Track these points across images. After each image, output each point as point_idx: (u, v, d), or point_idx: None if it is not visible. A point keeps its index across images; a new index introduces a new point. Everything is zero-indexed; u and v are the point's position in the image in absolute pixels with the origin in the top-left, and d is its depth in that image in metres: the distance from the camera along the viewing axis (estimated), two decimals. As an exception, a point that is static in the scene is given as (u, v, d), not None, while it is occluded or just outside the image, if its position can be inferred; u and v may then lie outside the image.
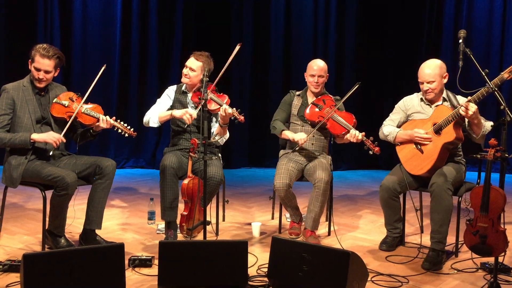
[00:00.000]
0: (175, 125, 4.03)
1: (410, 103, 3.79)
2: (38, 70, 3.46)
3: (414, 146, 3.63)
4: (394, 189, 3.62)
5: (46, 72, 3.47)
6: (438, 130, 3.52)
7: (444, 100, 3.68)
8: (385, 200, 3.67)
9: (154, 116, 3.95)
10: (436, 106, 3.66)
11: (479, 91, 3.24)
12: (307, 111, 3.97)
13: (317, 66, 4.00)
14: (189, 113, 3.78)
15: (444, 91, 3.69)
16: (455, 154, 3.69)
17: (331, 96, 4.07)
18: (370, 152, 3.68)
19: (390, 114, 3.86)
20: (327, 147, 4.14)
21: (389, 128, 3.76)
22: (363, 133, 3.71)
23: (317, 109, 3.94)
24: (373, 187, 6.10)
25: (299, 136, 3.84)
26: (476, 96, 3.26)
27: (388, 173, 3.77)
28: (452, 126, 3.44)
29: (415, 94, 3.82)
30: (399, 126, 3.77)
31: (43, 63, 3.44)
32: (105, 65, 3.65)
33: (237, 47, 3.70)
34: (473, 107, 3.25)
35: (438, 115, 3.54)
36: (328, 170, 3.82)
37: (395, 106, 3.87)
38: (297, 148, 3.89)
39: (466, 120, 3.47)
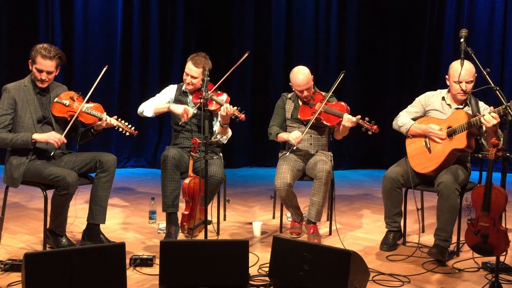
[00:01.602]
0: (176, 124, 4.03)
1: (431, 99, 3.73)
2: (40, 71, 3.45)
3: (424, 143, 3.61)
4: (397, 180, 3.61)
5: (48, 73, 3.47)
6: (451, 134, 3.50)
7: (467, 104, 3.61)
8: (387, 190, 3.66)
9: (150, 106, 3.94)
10: (456, 109, 3.62)
11: (502, 106, 3.13)
12: (300, 111, 3.97)
13: (301, 80, 3.88)
14: (186, 110, 3.78)
15: (468, 96, 3.62)
16: (465, 156, 3.67)
17: (320, 92, 4.06)
18: (369, 133, 3.66)
19: (408, 106, 3.82)
20: (327, 145, 4.13)
21: (404, 120, 3.73)
22: (358, 116, 3.70)
23: (309, 107, 3.94)
24: (374, 186, 6.09)
25: (293, 135, 3.83)
26: (502, 108, 3.15)
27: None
28: (466, 134, 3.42)
29: (439, 91, 3.75)
30: (414, 120, 3.75)
31: (45, 64, 3.44)
32: (106, 66, 3.65)
33: (245, 55, 3.70)
34: (494, 120, 3.17)
35: (455, 119, 3.51)
36: (329, 162, 3.82)
37: (416, 99, 3.81)
38: (294, 148, 3.88)
39: (484, 129, 3.44)
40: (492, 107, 3.27)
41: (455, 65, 3.54)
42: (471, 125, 3.38)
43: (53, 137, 3.42)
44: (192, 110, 3.83)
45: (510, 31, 7.11)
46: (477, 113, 3.44)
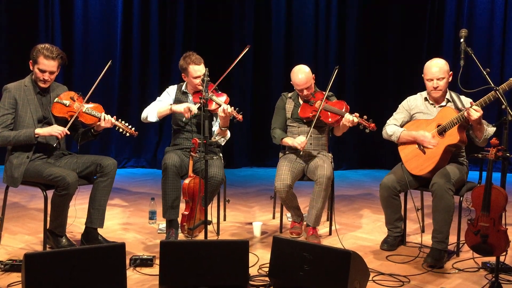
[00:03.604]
0: (176, 124, 4.03)
1: (414, 102, 3.78)
2: (43, 71, 3.45)
3: (417, 146, 3.62)
4: (394, 188, 3.62)
5: (51, 73, 3.47)
6: (442, 132, 3.51)
7: (448, 101, 3.66)
8: (385, 198, 3.67)
9: (153, 111, 3.94)
10: (441, 106, 3.64)
11: (487, 95, 3.21)
12: (301, 110, 3.97)
13: (300, 79, 3.88)
14: (188, 107, 3.78)
15: (448, 92, 3.68)
16: (458, 154, 3.68)
17: (322, 91, 4.05)
18: (367, 131, 3.68)
19: (394, 114, 3.85)
20: (327, 145, 4.13)
21: (392, 128, 3.75)
22: (356, 114, 3.70)
23: (309, 105, 3.94)
24: (374, 186, 6.09)
25: (298, 140, 3.84)
26: (483, 100, 3.24)
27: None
28: (457, 129, 3.44)
29: (419, 94, 3.81)
30: (402, 126, 3.77)
31: (48, 65, 3.43)
32: (110, 61, 3.65)
33: (246, 49, 3.70)
34: (477, 113, 3.23)
35: (442, 117, 3.53)
36: (330, 166, 3.82)
37: (399, 105, 3.86)
38: (301, 153, 3.88)
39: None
40: (471, 101, 3.29)
41: (427, 64, 3.63)
42: (459, 120, 3.40)
43: (56, 129, 3.42)
44: (195, 107, 3.83)
45: (510, 31, 7.11)
46: (463, 108, 3.48)
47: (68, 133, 3.48)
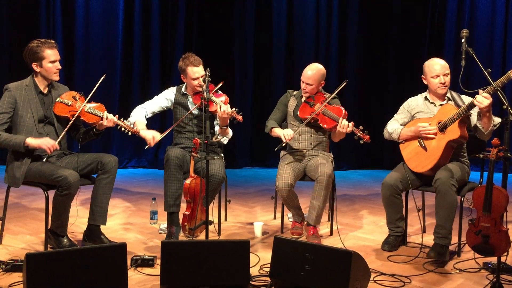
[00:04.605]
0: (177, 124, 4.03)
1: (415, 103, 3.79)
2: (54, 62, 3.51)
3: (418, 144, 3.62)
4: (396, 187, 3.62)
5: (59, 60, 3.54)
6: (442, 128, 3.52)
7: (449, 99, 3.68)
8: (387, 198, 3.67)
9: (134, 117, 3.95)
10: (441, 105, 3.65)
11: (489, 87, 3.18)
12: (300, 110, 3.98)
13: (308, 74, 3.92)
14: (154, 138, 3.76)
15: (448, 91, 3.69)
16: (460, 154, 3.68)
17: (324, 93, 4.05)
18: (361, 142, 3.68)
19: (395, 115, 3.86)
20: (328, 145, 4.13)
21: (393, 126, 3.76)
22: (352, 122, 3.70)
23: (309, 106, 3.94)
24: (375, 186, 6.09)
25: (285, 132, 3.86)
26: (490, 89, 3.18)
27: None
28: (457, 124, 3.44)
29: (419, 95, 3.82)
30: (403, 126, 3.76)
31: (56, 53, 3.52)
32: (104, 75, 3.63)
33: (220, 84, 3.82)
34: (487, 100, 3.20)
35: (443, 113, 3.54)
36: (330, 164, 3.82)
37: (400, 107, 3.86)
38: (283, 145, 3.89)
39: (473, 117, 3.46)
40: (480, 90, 3.27)
41: (429, 63, 3.68)
42: (459, 116, 3.40)
43: (47, 143, 3.39)
44: (159, 137, 3.80)
45: (511, 31, 7.10)
46: (462, 105, 3.48)
47: (58, 148, 3.47)
